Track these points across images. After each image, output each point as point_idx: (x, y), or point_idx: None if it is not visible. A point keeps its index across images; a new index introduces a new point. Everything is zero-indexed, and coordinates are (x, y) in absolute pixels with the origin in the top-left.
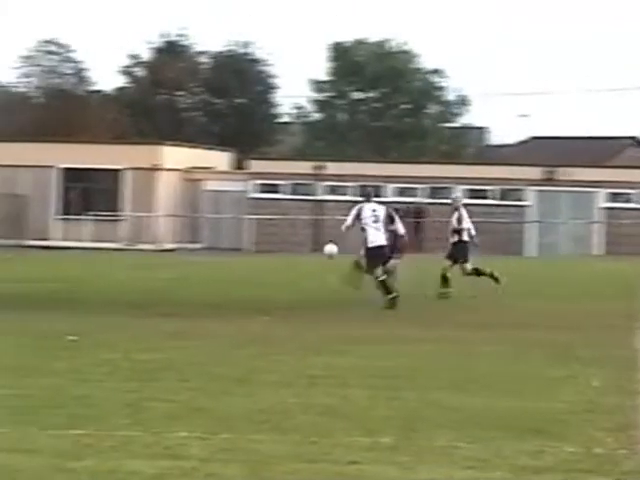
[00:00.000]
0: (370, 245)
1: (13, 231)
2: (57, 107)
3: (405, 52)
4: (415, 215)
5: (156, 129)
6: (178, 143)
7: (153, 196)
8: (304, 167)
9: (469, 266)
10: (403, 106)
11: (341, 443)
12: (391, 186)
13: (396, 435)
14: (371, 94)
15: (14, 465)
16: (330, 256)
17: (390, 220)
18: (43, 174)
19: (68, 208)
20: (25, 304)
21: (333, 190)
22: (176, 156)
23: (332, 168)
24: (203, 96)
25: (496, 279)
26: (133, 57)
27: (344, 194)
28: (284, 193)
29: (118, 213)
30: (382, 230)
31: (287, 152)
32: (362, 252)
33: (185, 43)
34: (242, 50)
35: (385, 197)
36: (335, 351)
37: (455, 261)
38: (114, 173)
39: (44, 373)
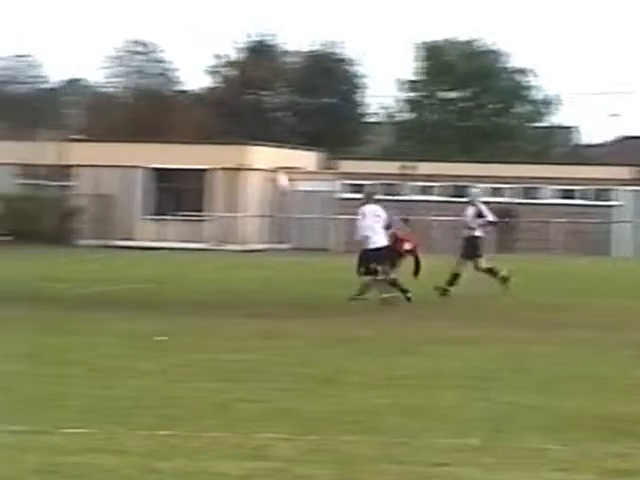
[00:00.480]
0: (371, 246)
1: (100, 231)
2: (144, 107)
3: (494, 51)
4: (505, 215)
5: (243, 129)
6: (265, 143)
7: (240, 196)
8: (393, 167)
9: (483, 262)
10: (492, 106)
11: (428, 444)
12: (480, 186)
13: (483, 436)
14: (461, 94)
15: (104, 465)
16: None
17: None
18: (130, 174)
19: (154, 208)
20: (113, 304)
21: (422, 190)
22: (263, 156)
23: (421, 168)
24: (291, 96)
25: (504, 279)
26: (220, 57)
27: (433, 194)
28: None
29: (205, 213)
30: (383, 232)
31: (375, 152)
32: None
33: (273, 43)
34: (330, 50)
35: (474, 197)
36: (420, 352)
37: (468, 257)
38: (201, 173)
39: (133, 374)
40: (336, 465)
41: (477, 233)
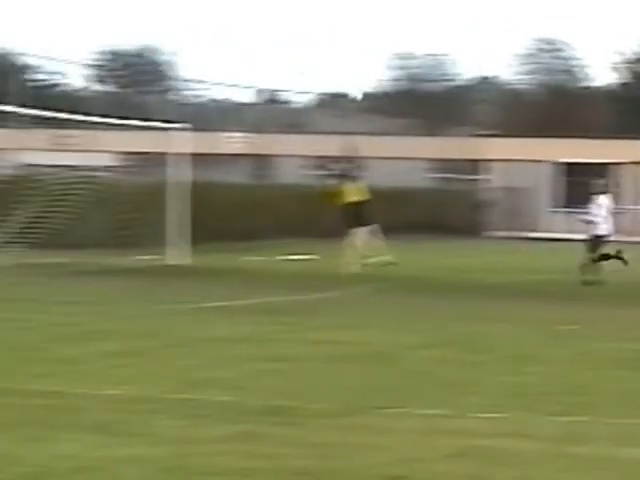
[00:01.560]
0: (601, 233)
1: (509, 223)
2: (553, 104)
3: None
4: None
5: None
6: None
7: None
8: None
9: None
10: None
11: None
12: None
13: None
14: None
15: (512, 449)
16: None
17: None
18: (539, 168)
19: (563, 201)
20: (521, 294)
21: None
22: None
23: None
24: None
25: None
26: (624, 53)
27: None
28: None
29: (615, 207)
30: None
31: None
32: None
33: None
34: None
35: None
36: None
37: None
38: (607, 167)
39: (539, 361)
40: None
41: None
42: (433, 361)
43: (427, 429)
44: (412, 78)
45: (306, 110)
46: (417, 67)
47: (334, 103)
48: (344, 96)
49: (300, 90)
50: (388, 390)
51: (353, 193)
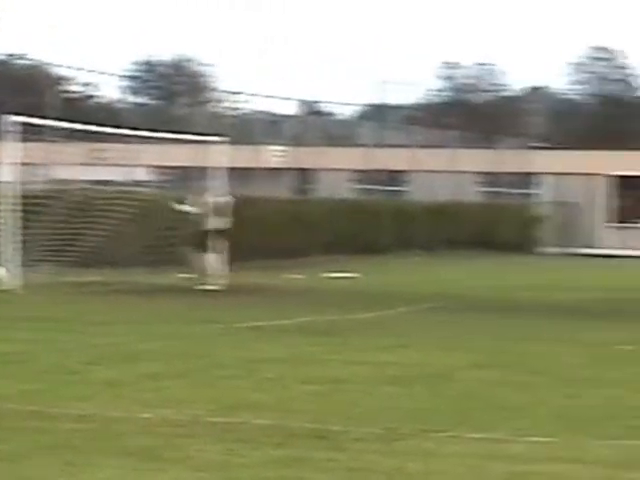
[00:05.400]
0: None
1: (562, 239)
2: (607, 114)
3: None
4: None
5: None
6: None
7: None
8: None
9: None
10: None
11: None
12: None
13: None
14: None
15: (567, 475)
16: None
17: None
18: (592, 182)
19: (617, 216)
20: (578, 312)
21: None
22: None
23: None
24: None
25: None
26: None
27: None
28: None
29: None
30: None
31: None
32: None
33: None
34: None
35: None
36: None
37: None
38: None
39: (599, 384)
40: None
41: None
42: (484, 383)
43: (478, 454)
44: (460, 88)
45: (350, 122)
46: (465, 77)
47: (379, 115)
48: (389, 107)
49: (344, 101)
50: (436, 413)
51: None
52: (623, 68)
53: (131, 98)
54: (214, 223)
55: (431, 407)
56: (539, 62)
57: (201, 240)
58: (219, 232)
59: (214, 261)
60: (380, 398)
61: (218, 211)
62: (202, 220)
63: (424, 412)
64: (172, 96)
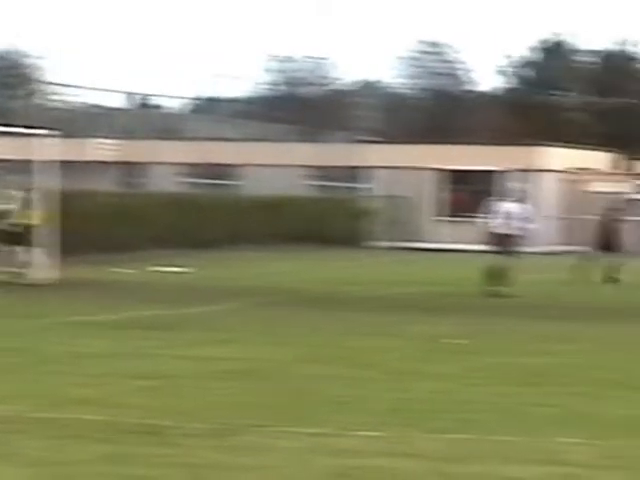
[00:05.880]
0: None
1: (391, 233)
2: (437, 109)
3: None
4: None
5: (534, 129)
6: (557, 144)
7: (532, 198)
8: None
9: None
10: None
11: None
12: None
13: None
14: None
15: (396, 469)
16: None
17: None
18: (423, 176)
19: (447, 210)
20: (405, 307)
21: None
22: (554, 157)
23: None
24: (587, 96)
25: None
26: (512, 57)
27: None
28: None
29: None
30: None
31: None
32: None
33: (567, 42)
34: (629, 49)
35: None
36: None
37: None
38: (492, 175)
39: (428, 377)
40: (634, 472)
41: None
42: (315, 377)
43: (307, 448)
44: (290, 82)
45: (181, 115)
46: (295, 70)
47: (210, 108)
48: (221, 101)
49: (174, 94)
50: (267, 408)
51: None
52: (453, 62)
53: None
54: (24, 218)
55: (262, 402)
56: (371, 56)
57: (9, 235)
58: (29, 227)
59: (37, 256)
60: (211, 393)
61: (28, 205)
62: (10, 215)
63: (255, 407)
64: (0, 88)
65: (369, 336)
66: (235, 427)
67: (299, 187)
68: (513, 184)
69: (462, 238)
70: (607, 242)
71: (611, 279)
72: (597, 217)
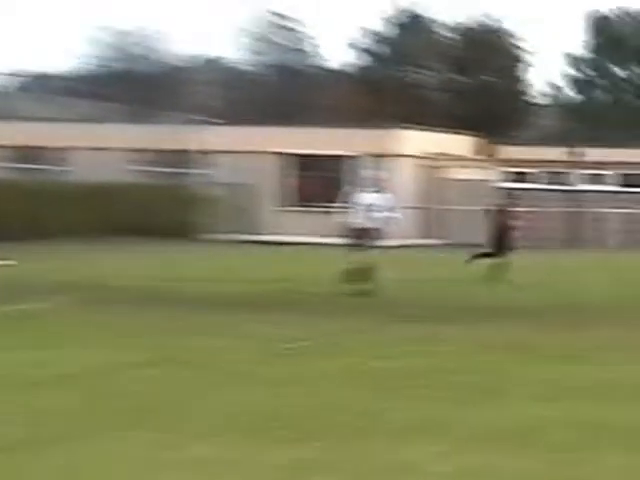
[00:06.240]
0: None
1: (229, 224)
2: (284, 87)
3: None
4: None
5: (393, 110)
6: (415, 127)
7: (389, 186)
8: (558, 154)
9: None
10: None
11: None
12: None
13: None
14: (637, 70)
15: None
16: None
17: None
18: (267, 161)
19: (293, 198)
20: (241, 305)
21: (592, 179)
22: (414, 141)
23: (591, 154)
24: (446, 74)
25: None
26: (367, 31)
27: (604, 183)
28: (536, 182)
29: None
30: None
31: (540, 136)
32: None
33: (426, 16)
34: (490, 24)
35: None
36: (604, 361)
37: None
38: (343, 160)
39: (265, 380)
40: None
41: None
42: (144, 380)
43: (145, 455)
44: (122, 57)
45: (4, 94)
46: (128, 44)
47: (36, 86)
48: (47, 77)
49: None
50: (95, 413)
51: None
52: (300, 37)
53: None
54: None
55: (88, 408)
56: (211, 30)
57: None
58: None
59: None
60: (29, 400)
61: None
62: None
63: (82, 413)
64: None
65: (204, 336)
66: (51, 436)
67: (127, 173)
68: (366, 171)
69: (311, 230)
70: (500, 239)
71: (497, 278)
72: (490, 211)
